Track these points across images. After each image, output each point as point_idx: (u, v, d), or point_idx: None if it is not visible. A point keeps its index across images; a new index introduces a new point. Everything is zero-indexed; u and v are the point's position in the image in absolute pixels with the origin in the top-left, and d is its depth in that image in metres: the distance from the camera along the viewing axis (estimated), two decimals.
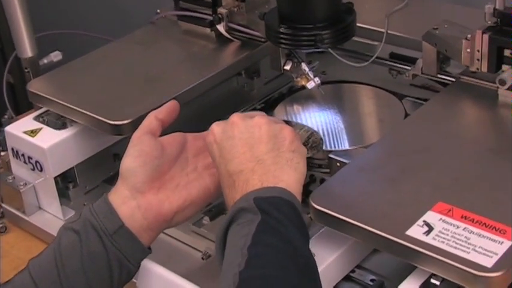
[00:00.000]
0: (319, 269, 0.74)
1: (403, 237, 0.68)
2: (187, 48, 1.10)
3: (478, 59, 0.87)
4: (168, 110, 0.83)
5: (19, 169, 1.01)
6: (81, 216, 0.77)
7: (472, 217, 0.69)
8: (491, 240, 0.67)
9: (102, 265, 0.75)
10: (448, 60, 0.94)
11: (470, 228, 0.68)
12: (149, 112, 0.93)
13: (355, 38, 0.94)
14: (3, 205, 1.04)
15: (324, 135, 0.96)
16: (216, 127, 0.77)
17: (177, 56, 1.08)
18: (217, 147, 0.76)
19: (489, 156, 0.79)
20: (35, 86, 1.03)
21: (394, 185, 0.76)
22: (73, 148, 0.99)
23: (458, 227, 0.69)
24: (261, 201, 0.69)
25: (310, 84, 0.98)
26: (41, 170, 0.98)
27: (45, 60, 1.15)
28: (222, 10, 1.06)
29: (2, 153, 1.06)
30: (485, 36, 0.85)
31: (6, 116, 1.15)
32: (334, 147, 0.95)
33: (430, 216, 0.70)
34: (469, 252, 0.66)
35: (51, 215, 1.01)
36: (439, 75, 0.94)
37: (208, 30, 1.09)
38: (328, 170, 0.91)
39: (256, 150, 0.73)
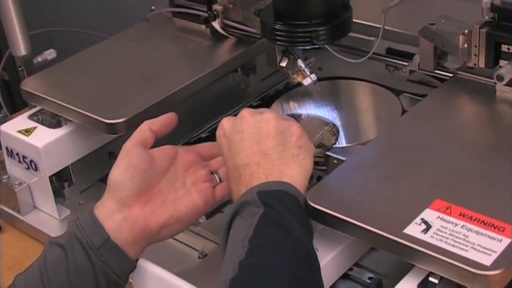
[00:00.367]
0: None
1: (400, 235, 0.68)
2: (182, 45, 1.09)
3: (475, 55, 0.86)
4: (163, 122, 0.81)
5: (14, 168, 1.01)
6: (67, 230, 0.76)
7: (471, 215, 0.69)
8: (490, 238, 0.66)
9: (88, 279, 0.74)
10: (445, 56, 0.93)
11: (469, 225, 0.68)
12: (144, 110, 0.94)
13: (351, 34, 0.94)
14: None
15: None
16: (226, 121, 0.78)
17: (172, 53, 1.08)
18: (226, 140, 0.77)
19: (487, 153, 0.78)
20: (29, 85, 1.03)
21: (391, 183, 0.75)
22: (68, 147, 0.98)
23: (456, 225, 0.68)
24: (265, 195, 0.69)
25: (307, 81, 0.97)
26: (36, 169, 0.97)
27: (39, 59, 1.15)
28: (217, 7, 1.05)
29: None
30: (483, 32, 0.85)
31: (0, 115, 1.15)
32: None
33: (428, 214, 0.70)
34: (467, 250, 0.65)
35: (46, 215, 1.01)
36: (436, 71, 0.93)
37: (203, 27, 1.09)
38: (325, 168, 0.91)
39: (263, 145, 0.74)
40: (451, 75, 0.92)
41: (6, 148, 1.01)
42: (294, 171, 0.73)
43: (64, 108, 0.97)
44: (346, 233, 0.73)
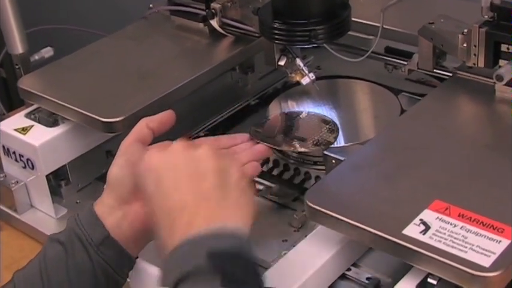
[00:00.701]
0: (315, 268, 0.74)
1: (399, 236, 0.68)
2: (180, 43, 1.09)
3: (474, 54, 0.86)
4: (161, 119, 0.80)
5: (10, 167, 1.00)
6: (66, 227, 0.76)
7: (470, 215, 0.69)
8: (489, 239, 0.66)
9: (88, 277, 0.74)
10: (444, 55, 0.93)
11: (468, 227, 0.67)
12: (142, 109, 0.93)
13: (350, 33, 0.94)
14: None
15: None
16: (155, 154, 0.70)
17: (170, 51, 1.07)
18: (154, 177, 0.68)
19: (487, 153, 0.78)
20: (26, 83, 1.02)
21: (390, 183, 0.75)
22: (65, 145, 0.98)
23: (455, 226, 0.68)
24: (217, 259, 0.61)
25: (305, 80, 0.97)
26: (33, 168, 0.97)
27: (36, 57, 1.14)
28: (215, 5, 1.05)
29: None
30: (482, 31, 0.84)
31: None
32: None
33: (427, 215, 0.69)
34: (466, 252, 0.65)
35: (43, 213, 1.00)
36: (435, 70, 0.93)
37: (201, 25, 1.08)
38: (323, 167, 0.90)
39: (201, 186, 0.66)
40: (450, 74, 0.92)
41: (3, 146, 1.00)
42: (236, 218, 0.65)
43: (61, 107, 0.96)
44: (345, 234, 0.73)
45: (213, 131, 1.08)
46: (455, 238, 0.66)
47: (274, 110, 1.02)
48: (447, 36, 0.88)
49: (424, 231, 0.67)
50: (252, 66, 1.14)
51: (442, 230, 0.67)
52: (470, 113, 0.88)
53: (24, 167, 0.98)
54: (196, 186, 0.67)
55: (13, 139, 0.98)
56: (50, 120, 0.99)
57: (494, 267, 0.63)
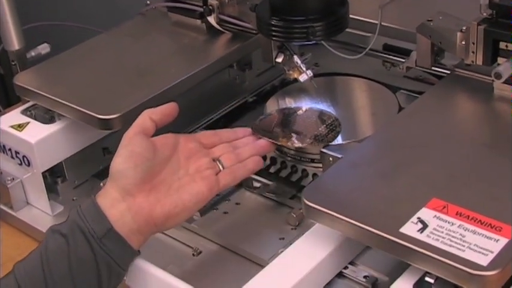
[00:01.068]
0: (312, 266, 0.74)
1: (397, 234, 0.67)
2: (177, 40, 1.08)
3: (473, 52, 0.85)
4: (164, 112, 0.80)
5: (6, 164, 1.00)
6: (68, 219, 0.76)
7: (467, 214, 0.68)
8: (487, 237, 0.65)
9: (90, 269, 0.73)
10: (443, 53, 0.92)
11: (466, 225, 0.67)
12: (139, 106, 0.93)
13: (348, 30, 0.93)
14: None
15: None
16: None
17: (168, 48, 1.07)
18: None
19: (485, 151, 0.78)
20: (22, 79, 1.02)
21: (387, 181, 0.75)
22: (61, 142, 0.97)
23: (453, 224, 0.67)
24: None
25: (303, 77, 0.96)
26: (29, 165, 0.97)
27: (32, 53, 1.13)
28: (212, 1, 1.05)
29: None
30: (481, 29, 0.84)
31: None
32: None
33: (425, 213, 0.69)
34: (464, 250, 0.65)
35: (39, 211, 1.00)
36: (433, 68, 0.93)
37: (198, 22, 1.08)
38: (320, 165, 0.90)
39: None
40: (449, 72, 0.91)
41: None
42: None
43: (57, 104, 0.96)
44: (342, 232, 0.73)
45: (211, 128, 1.08)
46: (452, 237, 0.66)
47: (272, 107, 1.02)
48: (445, 33, 0.88)
49: (422, 230, 0.67)
50: (249, 63, 1.14)
51: (440, 229, 0.67)
52: (469, 110, 0.88)
53: (20, 164, 0.98)
54: None
55: (9, 136, 0.97)
56: (46, 117, 0.98)
57: (492, 266, 0.63)
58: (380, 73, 1.08)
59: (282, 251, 0.78)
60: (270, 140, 0.87)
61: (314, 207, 0.72)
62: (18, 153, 0.97)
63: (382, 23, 0.98)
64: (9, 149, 0.98)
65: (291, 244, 0.78)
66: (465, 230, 0.67)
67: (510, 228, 0.66)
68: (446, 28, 0.88)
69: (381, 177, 0.75)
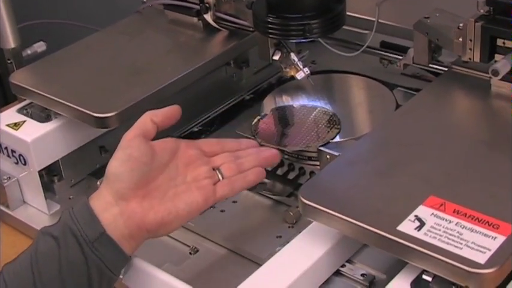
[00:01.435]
0: (309, 265, 0.73)
1: (394, 232, 0.67)
2: (174, 38, 1.08)
3: (470, 49, 0.85)
4: (166, 114, 0.79)
5: (2, 163, 0.99)
6: (60, 221, 0.74)
7: (465, 211, 0.68)
8: (485, 235, 0.65)
9: (81, 274, 0.72)
10: (440, 50, 0.92)
11: (463, 223, 0.67)
12: (135, 104, 0.92)
13: (345, 27, 0.93)
14: None
15: None
16: None
17: (164, 46, 1.06)
18: None
19: (482, 149, 0.77)
20: (18, 78, 1.01)
21: (385, 179, 0.74)
22: (58, 141, 0.97)
23: (450, 222, 0.67)
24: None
25: (300, 75, 0.96)
26: (25, 164, 0.96)
27: (28, 51, 1.13)
28: None
29: None
30: (478, 25, 0.84)
31: None
32: None
33: (422, 211, 0.69)
34: (461, 248, 0.64)
35: (35, 209, 0.99)
36: (430, 65, 0.92)
37: (195, 19, 1.07)
38: (318, 163, 0.90)
39: None
40: (446, 69, 0.91)
41: None
42: None
43: (54, 102, 0.95)
44: (339, 230, 0.72)
45: (208, 126, 1.08)
46: (450, 234, 0.66)
47: (269, 105, 1.02)
48: (443, 30, 0.88)
49: (419, 228, 0.67)
50: (246, 60, 1.14)
51: (437, 226, 0.67)
52: (466, 108, 0.88)
53: (17, 163, 0.97)
54: None
55: (5, 135, 0.97)
56: (43, 115, 0.98)
57: (489, 263, 0.63)
58: (377, 70, 1.07)
59: (279, 249, 0.78)
60: (271, 146, 0.86)
61: (311, 205, 0.72)
62: (15, 152, 0.97)
63: (379, 20, 0.98)
64: (6, 148, 0.98)
65: (288, 242, 0.78)
66: (462, 228, 0.66)
67: (507, 226, 0.66)
68: (443, 25, 0.88)
69: (378, 175, 0.75)
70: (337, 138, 0.91)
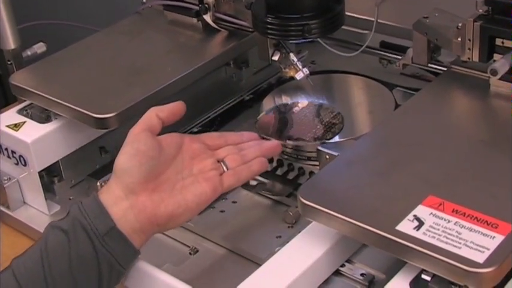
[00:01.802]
0: (309, 264, 0.73)
1: (393, 232, 0.67)
2: (173, 38, 1.08)
3: (469, 48, 0.85)
4: (171, 110, 0.80)
5: (3, 164, 0.99)
6: (69, 214, 0.75)
7: (464, 211, 0.68)
8: (483, 234, 0.65)
9: (91, 267, 0.73)
10: (439, 50, 0.92)
11: (462, 222, 0.67)
12: (135, 105, 0.93)
13: (344, 27, 0.93)
14: None
15: None
16: None
17: (164, 46, 1.07)
18: None
19: (481, 148, 0.77)
20: (18, 79, 1.01)
21: (384, 179, 0.74)
22: (58, 142, 0.97)
23: (449, 222, 0.67)
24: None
25: (299, 75, 0.96)
26: (25, 165, 0.96)
27: (28, 52, 1.13)
28: (208, 0, 1.04)
29: None
30: (477, 25, 0.84)
31: None
32: None
33: (421, 211, 0.69)
34: (460, 248, 0.64)
35: (36, 210, 0.99)
36: (429, 65, 0.92)
37: (194, 20, 1.07)
38: (317, 163, 0.90)
39: None
40: (445, 69, 0.91)
41: None
42: None
43: (53, 103, 0.95)
44: (338, 230, 0.73)
45: (207, 127, 1.08)
46: (449, 234, 0.66)
47: (268, 105, 1.02)
48: (442, 30, 0.88)
49: (418, 227, 0.67)
50: (246, 61, 1.14)
51: (436, 226, 0.67)
52: (465, 107, 0.88)
53: (17, 164, 0.97)
54: None
55: (5, 135, 0.97)
56: (43, 116, 0.98)
57: (488, 263, 0.63)
58: (376, 70, 1.07)
59: (278, 249, 0.78)
60: (275, 139, 0.87)
61: (310, 206, 0.72)
62: (15, 152, 0.97)
63: (379, 20, 0.98)
64: (6, 149, 0.98)
65: (287, 242, 0.78)
66: (461, 227, 0.66)
67: (506, 225, 0.66)
68: (442, 25, 0.88)
69: (377, 175, 0.75)
70: (337, 138, 0.91)
